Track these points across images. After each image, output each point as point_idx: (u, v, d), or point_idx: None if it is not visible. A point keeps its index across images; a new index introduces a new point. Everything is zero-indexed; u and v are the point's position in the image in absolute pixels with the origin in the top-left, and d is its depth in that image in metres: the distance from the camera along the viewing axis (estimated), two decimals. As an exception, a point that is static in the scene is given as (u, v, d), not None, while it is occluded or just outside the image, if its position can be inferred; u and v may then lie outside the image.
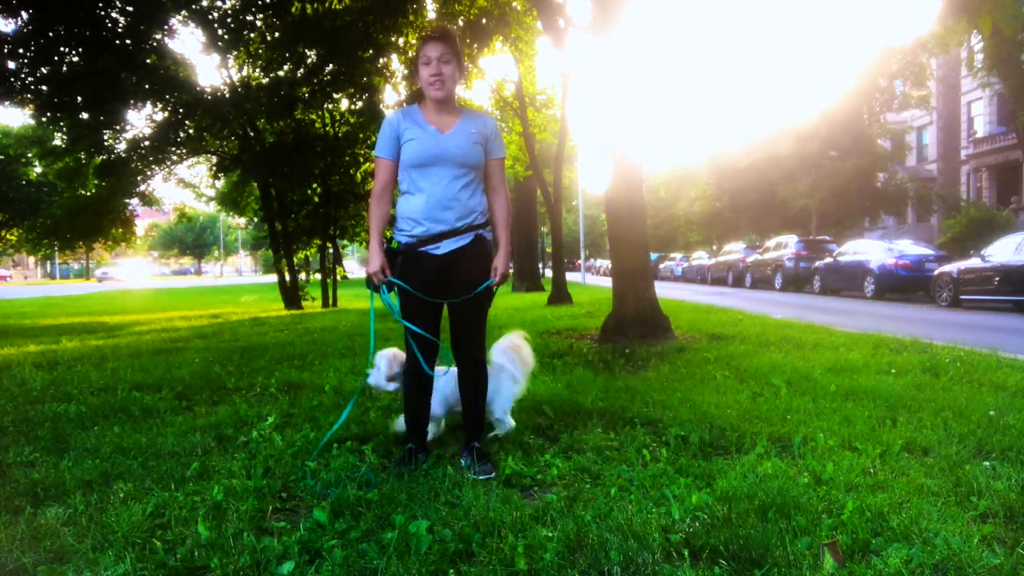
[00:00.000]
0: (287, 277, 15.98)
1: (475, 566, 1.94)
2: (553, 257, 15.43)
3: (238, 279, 64.35)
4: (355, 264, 79.45)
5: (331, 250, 16.86)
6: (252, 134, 14.96)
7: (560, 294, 14.08)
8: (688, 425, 3.29)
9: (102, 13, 10.48)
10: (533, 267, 23.32)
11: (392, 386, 3.14)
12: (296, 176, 14.87)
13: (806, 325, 8.17)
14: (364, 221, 18.19)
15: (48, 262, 75.86)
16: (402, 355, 3.07)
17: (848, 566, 1.89)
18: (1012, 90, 18.26)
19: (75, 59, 10.83)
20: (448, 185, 2.76)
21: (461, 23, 12.91)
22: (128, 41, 10.84)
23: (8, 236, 41.66)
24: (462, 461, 2.87)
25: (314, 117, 15.65)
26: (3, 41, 10.08)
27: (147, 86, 12.32)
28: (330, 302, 16.81)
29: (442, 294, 2.84)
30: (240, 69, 14.68)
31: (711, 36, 56.32)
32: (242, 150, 15.53)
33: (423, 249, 2.77)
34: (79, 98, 11.26)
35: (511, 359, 3.30)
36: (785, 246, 20.60)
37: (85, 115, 12.40)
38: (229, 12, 11.83)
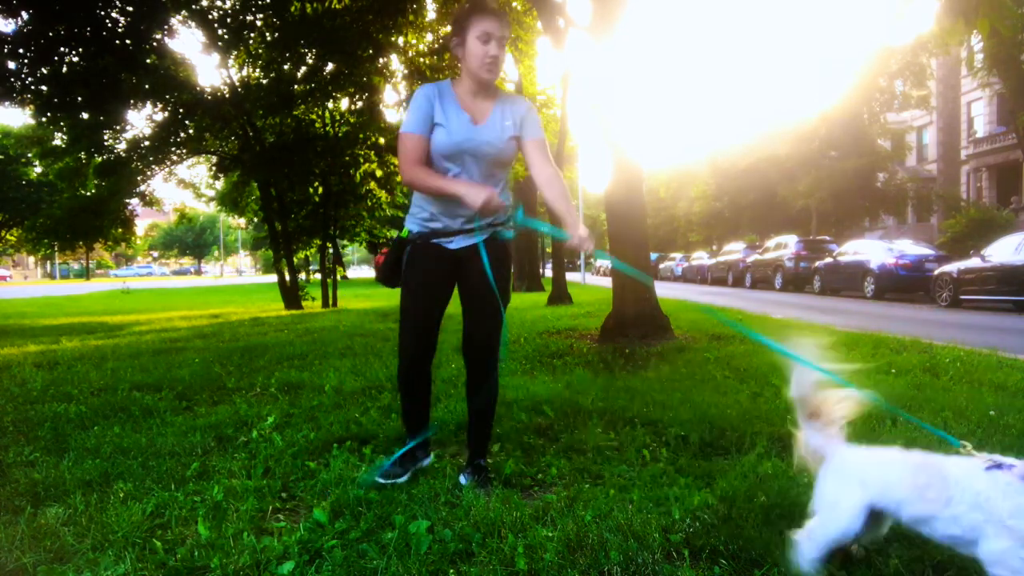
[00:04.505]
0: (287, 277, 15.99)
1: (475, 566, 1.94)
2: (553, 257, 15.43)
3: (238, 279, 64.32)
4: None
5: (331, 250, 16.85)
6: (252, 134, 14.95)
7: (560, 294, 14.08)
8: (688, 425, 3.29)
9: (102, 13, 10.47)
10: (533, 267, 23.32)
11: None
12: (296, 176, 14.86)
13: (806, 325, 8.17)
14: (364, 221, 18.16)
15: (48, 262, 75.87)
16: None
17: (848, 566, 1.89)
18: (1012, 90, 18.30)
19: (75, 59, 10.82)
20: (473, 181, 2.53)
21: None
22: (128, 41, 10.83)
23: (8, 236, 41.68)
24: (462, 479, 2.63)
25: (314, 117, 15.64)
26: (3, 41, 10.07)
27: (147, 86, 12.31)
28: (330, 302, 16.82)
29: (446, 292, 2.63)
30: (240, 69, 14.67)
31: (711, 36, 56.36)
32: (242, 150, 15.52)
33: (435, 241, 2.58)
34: (79, 98, 11.24)
35: None
36: (785, 246, 20.60)
37: (85, 115, 12.38)
38: (229, 12, 11.83)
